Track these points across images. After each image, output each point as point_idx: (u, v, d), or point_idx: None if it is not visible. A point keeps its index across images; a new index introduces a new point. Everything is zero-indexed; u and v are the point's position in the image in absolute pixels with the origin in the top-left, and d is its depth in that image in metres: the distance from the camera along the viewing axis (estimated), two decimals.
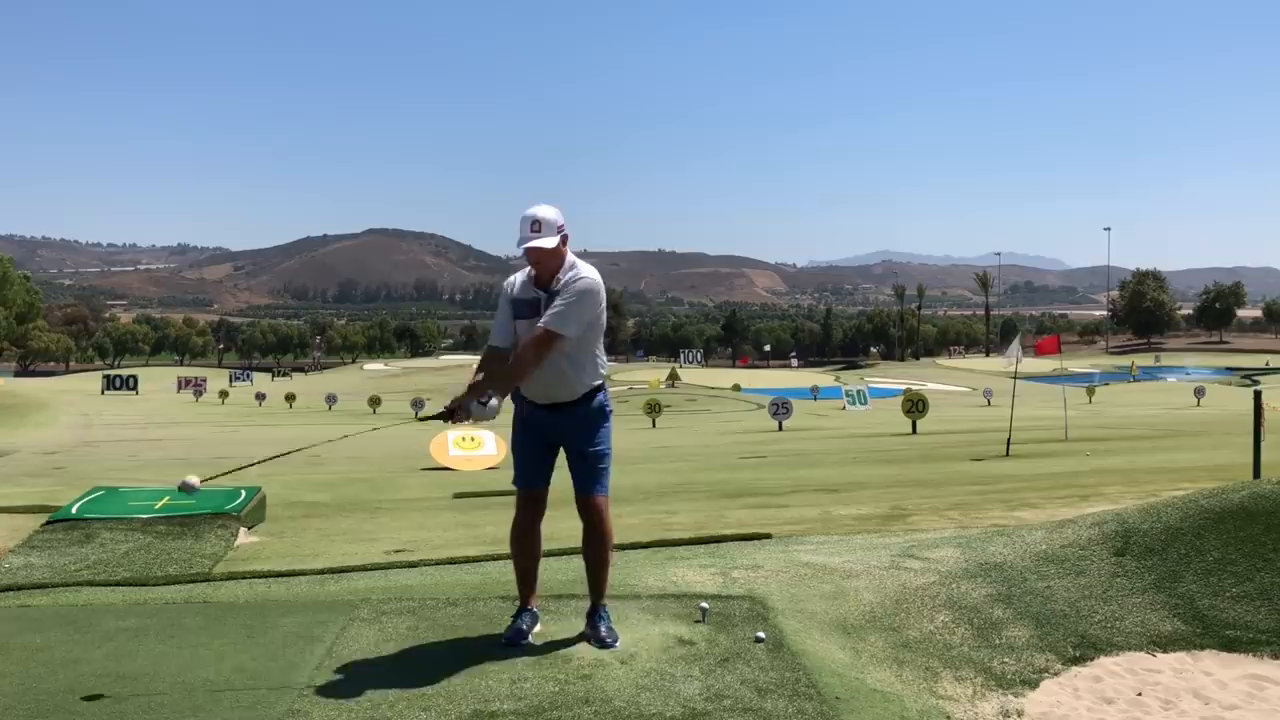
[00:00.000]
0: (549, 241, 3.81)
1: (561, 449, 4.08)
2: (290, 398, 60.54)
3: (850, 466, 15.35)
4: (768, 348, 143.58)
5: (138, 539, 7.02)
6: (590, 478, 4.01)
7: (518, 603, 4.16)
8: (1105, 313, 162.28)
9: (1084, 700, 3.72)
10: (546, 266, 3.88)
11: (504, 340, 3.98)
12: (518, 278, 4.03)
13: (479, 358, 4.11)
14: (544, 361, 3.82)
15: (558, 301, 3.82)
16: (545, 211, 3.83)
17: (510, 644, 3.93)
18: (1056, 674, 3.94)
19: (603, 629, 3.99)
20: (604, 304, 3.96)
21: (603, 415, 4.05)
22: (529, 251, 3.83)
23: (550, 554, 6.34)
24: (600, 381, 4.04)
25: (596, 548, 4.07)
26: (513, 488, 4.16)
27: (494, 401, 3.76)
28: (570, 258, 3.93)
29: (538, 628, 4.09)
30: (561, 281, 3.88)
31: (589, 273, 3.91)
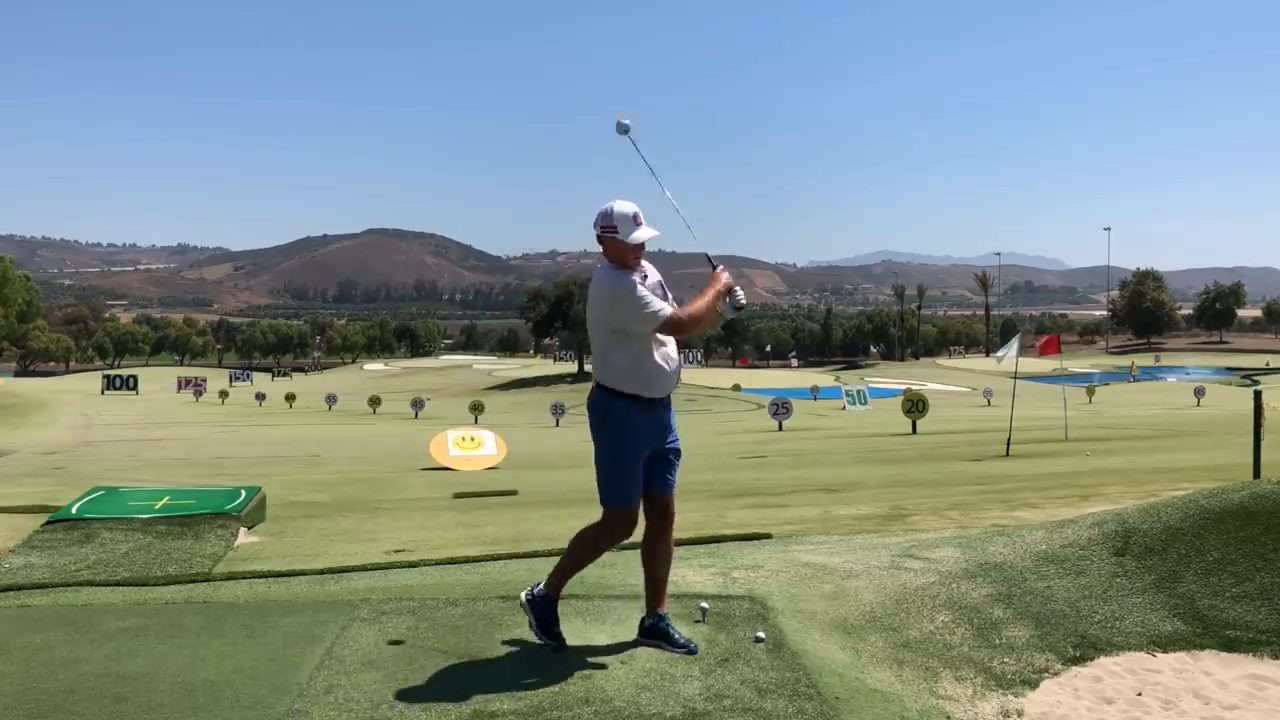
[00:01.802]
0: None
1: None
2: (290, 398, 60.60)
3: (850, 466, 15.36)
4: (768, 348, 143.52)
5: (138, 539, 7.02)
6: (674, 476, 3.93)
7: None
8: (1105, 313, 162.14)
9: (1084, 700, 3.71)
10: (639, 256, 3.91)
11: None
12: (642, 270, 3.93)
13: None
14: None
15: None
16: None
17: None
18: (1056, 674, 3.94)
19: (677, 636, 3.90)
20: None
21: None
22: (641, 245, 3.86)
23: (552, 554, 6.34)
24: None
25: (670, 549, 3.99)
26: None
27: (740, 295, 3.87)
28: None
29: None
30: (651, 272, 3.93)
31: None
